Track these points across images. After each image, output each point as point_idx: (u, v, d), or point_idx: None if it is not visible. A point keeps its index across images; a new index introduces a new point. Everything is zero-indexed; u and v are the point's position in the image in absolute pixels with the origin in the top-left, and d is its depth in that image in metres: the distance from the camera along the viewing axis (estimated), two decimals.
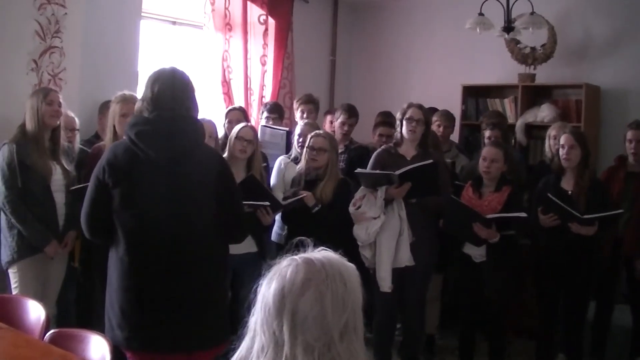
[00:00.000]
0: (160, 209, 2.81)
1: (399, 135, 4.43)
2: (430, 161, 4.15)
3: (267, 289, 1.41)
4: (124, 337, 2.83)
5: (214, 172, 2.94)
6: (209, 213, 2.90)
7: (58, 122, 4.06)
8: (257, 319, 1.41)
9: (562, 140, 4.38)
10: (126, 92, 4.14)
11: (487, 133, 5.06)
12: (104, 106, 4.78)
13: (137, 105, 2.97)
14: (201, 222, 2.87)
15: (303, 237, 1.53)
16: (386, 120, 5.38)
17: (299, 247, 1.50)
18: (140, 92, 5.33)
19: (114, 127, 4.02)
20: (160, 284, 2.81)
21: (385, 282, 4.22)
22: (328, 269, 1.41)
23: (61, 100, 4.07)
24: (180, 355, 2.85)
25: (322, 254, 1.46)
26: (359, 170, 4.32)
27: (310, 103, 5.58)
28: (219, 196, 2.92)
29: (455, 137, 6.11)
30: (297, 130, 4.94)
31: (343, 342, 1.37)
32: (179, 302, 2.81)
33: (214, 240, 2.95)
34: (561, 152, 4.36)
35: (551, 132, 4.96)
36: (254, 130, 4.44)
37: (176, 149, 2.85)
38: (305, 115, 5.47)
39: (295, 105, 5.77)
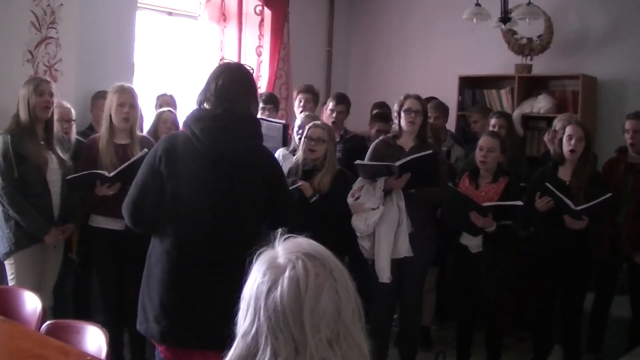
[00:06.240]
0: (211, 206, 2.81)
1: (397, 127, 4.41)
2: (430, 152, 4.14)
3: (271, 292, 1.37)
4: (159, 330, 2.82)
5: (267, 173, 2.94)
6: (256, 214, 2.91)
7: (50, 114, 4.02)
8: (262, 322, 1.36)
9: (569, 131, 4.30)
10: (124, 83, 4.16)
11: (492, 121, 5.03)
12: (96, 97, 4.77)
13: (199, 96, 2.92)
14: (249, 222, 2.87)
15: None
16: (383, 115, 5.36)
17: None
18: (136, 83, 5.40)
19: (110, 117, 4.03)
20: (204, 281, 2.79)
21: (384, 273, 4.21)
22: (328, 262, 1.40)
23: (53, 90, 4.03)
24: (212, 353, 2.78)
25: (306, 244, 1.44)
26: (358, 161, 4.30)
27: (309, 92, 5.56)
28: (269, 197, 2.93)
29: (451, 127, 6.12)
30: (298, 121, 4.92)
31: (355, 327, 1.40)
32: (220, 301, 2.77)
33: (257, 242, 2.94)
34: (567, 143, 4.29)
35: (557, 122, 4.82)
36: None
37: (237, 146, 2.84)
38: (302, 104, 5.46)
39: (294, 94, 5.76)
